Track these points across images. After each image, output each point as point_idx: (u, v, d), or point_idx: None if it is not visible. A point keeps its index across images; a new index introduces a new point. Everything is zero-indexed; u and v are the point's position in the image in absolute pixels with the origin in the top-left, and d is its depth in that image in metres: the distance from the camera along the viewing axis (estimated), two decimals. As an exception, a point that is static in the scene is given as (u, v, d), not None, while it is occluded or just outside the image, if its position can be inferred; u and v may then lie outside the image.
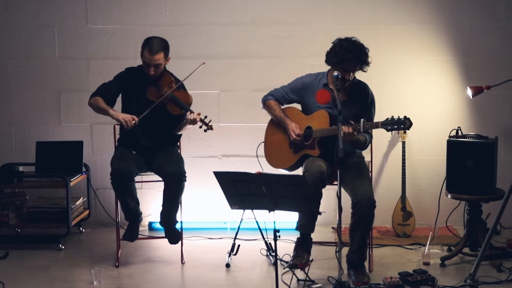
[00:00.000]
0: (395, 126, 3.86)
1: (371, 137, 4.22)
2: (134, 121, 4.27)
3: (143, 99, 4.38)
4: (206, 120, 4.28)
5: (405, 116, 3.86)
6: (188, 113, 4.30)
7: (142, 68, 4.48)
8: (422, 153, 5.32)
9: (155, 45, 4.33)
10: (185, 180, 4.38)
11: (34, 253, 4.75)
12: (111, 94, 4.46)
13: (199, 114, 4.28)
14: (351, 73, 4.02)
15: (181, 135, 4.63)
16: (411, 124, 3.85)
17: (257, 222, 4.57)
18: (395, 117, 3.87)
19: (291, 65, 5.21)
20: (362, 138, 4.07)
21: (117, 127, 4.62)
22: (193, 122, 4.27)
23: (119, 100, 4.55)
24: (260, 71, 5.35)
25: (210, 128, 4.28)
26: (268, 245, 4.54)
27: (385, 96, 4.98)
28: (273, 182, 3.36)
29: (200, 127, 4.30)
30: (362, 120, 3.91)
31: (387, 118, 3.90)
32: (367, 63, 4.04)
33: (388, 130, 3.90)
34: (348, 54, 3.96)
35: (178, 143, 4.69)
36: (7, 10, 5.45)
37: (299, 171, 4.23)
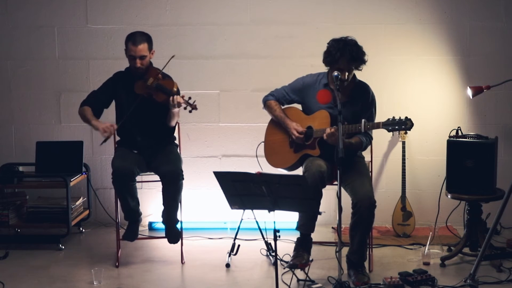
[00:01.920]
0: (396, 127, 3.86)
1: (371, 138, 4.21)
2: (112, 128, 4.32)
3: (132, 95, 4.41)
4: (190, 101, 4.29)
5: (406, 117, 3.86)
6: (172, 96, 4.30)
7: (129, 70, 4.50)
8: (422, 153, 5.32)
9: (138, 37, 4.38)
10: (182, 179, 4.38)
11: (34, 253, 4.75)
12: (100, 101, 4.51)
13: (183, 96, 4.29)
14: (346, 72, 4.01)
15: (174, 128, 4.61)
16: (412, 124, 3.85)
17: (257, 222, 4.57)
18: (396, 117, 3.87)
19: (291, 65, 5.21)
20: (356, 140, 4.06)
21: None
22: (178, 104, 4.28)
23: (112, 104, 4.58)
24: (260, 71, 5.35)
25: (194, 107, 4.29)
26: (268, 245, 4.54)
27: (385, 96, 4.98)
28: (273, 182, 3.36)
29: (185, 108, 4.31)
30: (363, 120, 3.91)
31: (388, 119, 3.90)
32: (361, 62, 4.03)
33: (389, 131, 3.90)
34: (340, 53, 3.97)
35: (178, 143, 4.70)
36: (7, 10, 5.44)
37: (299, 171, 4.23)
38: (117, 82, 4.53)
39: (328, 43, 4.08)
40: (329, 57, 4.03)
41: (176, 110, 4.36)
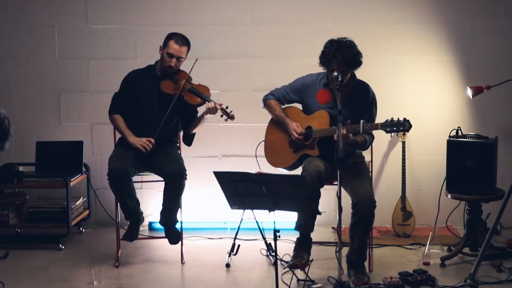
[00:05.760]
0: (395, 128, 3.86)
1: (373, 137, 4.21)
2: (150, 143, 4.34)
3: (155, 93, 4.41)
4: (228, 110, 4.33)
5: (404, 118, 3.85)
6: (209, 102, 4.34)
7: (151, 68, 4.51)
8: (422, 153, 5.33)
9: (181, 38, 4.44)
10: (186, 178, 4.38)
11: (34, 253, 4.75)
12: (124, 104, 4.49)
13: (220, 104, 4.32)
14: (341, 74, 4.00)
15: (193, 136, 4.63)
16: (410, 126, 3.84)
17: (257, 222, 4.56)
18: (395, 118, 3.87)
19: (291, 65, 5.21)
20: (361, 139, 4.07)
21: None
22: (214, 110, 4.32)
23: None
24: (260, 71, 5.36)
25: (232, 117, 4.33)
26: (268, 245, 4.54)
27: (385, 96, 4.98)
28: (273, 182, 3.36)
29: (221, 116, 4.34)
30: (361, 121, 3.90)
31: (387, 120, 3.89)
32: (354, 64, 4.02)
33: (387, 132, 3.90)
34: (332, 55, 3.97)
35: (178, 143, 4.70)
36: (7, 10, 5.45)
37: (299, 171, 4.23)
38: (134, 79, 4.52)
39: (324, 45, 4.08)
40: (323, 58, 4.05)
41: (207, 116, 4.40)
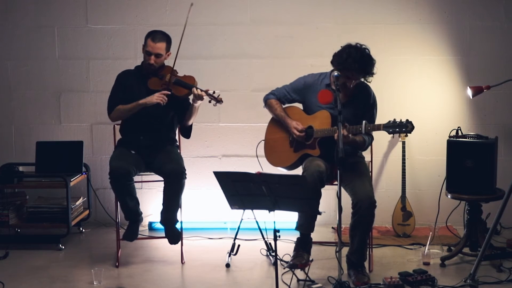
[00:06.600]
0: (397, 129, 3.85)
1: (372, 138, 4.21)
2: (167, 94, 4.33)
3: (144, 91, 4.41)
4: (215, 95, 4.32)
5: (407, 120, 3.84)
6: (194, 89, 4.33)
7: (139, 69, 4.52)
8: (422, 153, 5.32)
9: (159, 35, 4.43)
10: (185, 177, 4.39)
11: (34, 253, 4.75)
12: (123, 101, 4.48)
13: (207, 90, 4.32)
14: (353, 81, 4.00)
15: (191, 127, 4.62)
16: (413, 127, 3.83)
17: (257, 222, 4.57)
18: (397, 120, 3.86)
19: (291, 65, 5.21)
20: (360, 139, 4.07)
21: (117, 127, 4.63)
22: (200, 97, 4.32)
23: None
24: (260, 71, 5.35)
25: (220, 101, 4.32)
26: (268, 245, 4.54)
27: (385, 96, 4.98)
28: (273, 182, 3.36)
29: (209, 102, 4.34)
30: (364, 122, 3.90)
31: (389, 121, 3.88)
32: (371, 74, 4.04)
33: (389, 133, 3.89)
34: (354, 64, 3.94)
35: (178, 143, 4.70)
36: (7, 10, 5.45)
37: (299, 170, 4.23)
38: (125, 80, 4.53)
39: (344, 49, 4.02)
40: (341, 64, 3.97)
41: (197, 104, 4.39)
